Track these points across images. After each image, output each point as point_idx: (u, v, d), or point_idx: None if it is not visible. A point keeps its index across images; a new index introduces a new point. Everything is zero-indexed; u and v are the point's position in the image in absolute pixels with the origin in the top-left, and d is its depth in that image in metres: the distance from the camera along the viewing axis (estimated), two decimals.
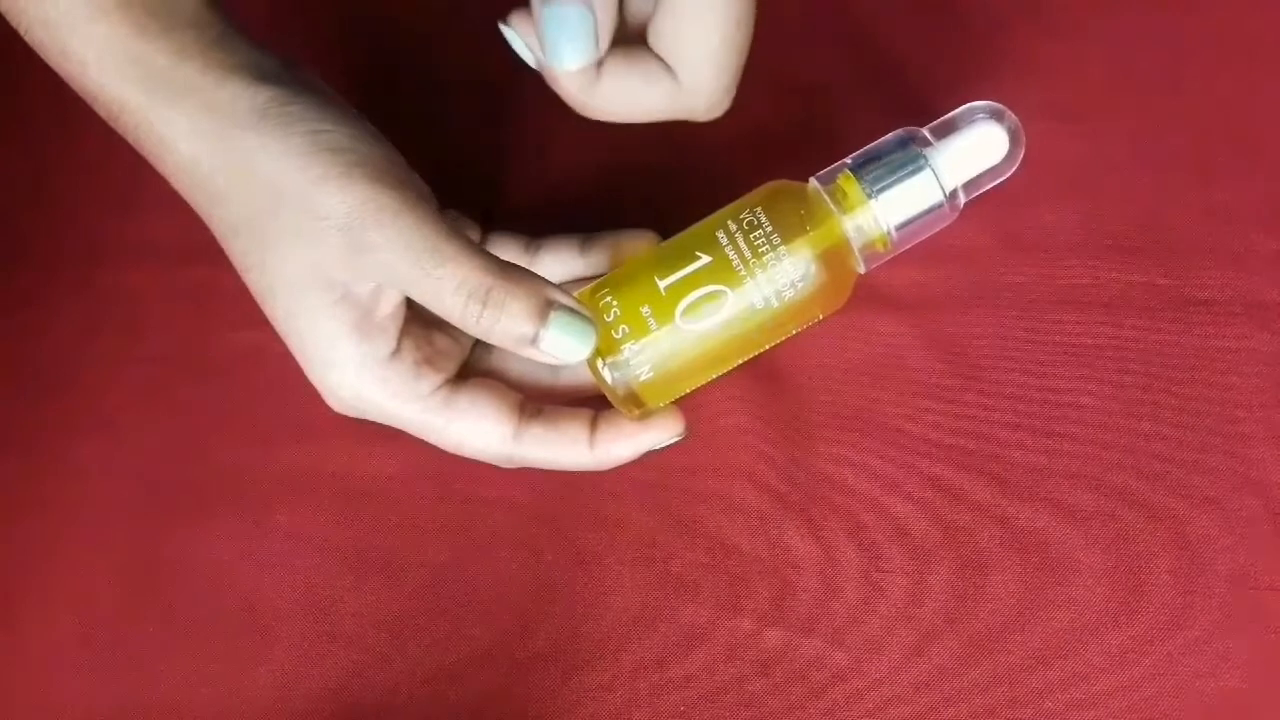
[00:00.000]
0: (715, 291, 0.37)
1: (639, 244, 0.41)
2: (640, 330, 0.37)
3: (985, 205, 0.44)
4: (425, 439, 0.39)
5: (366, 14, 0.49)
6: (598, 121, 0.46)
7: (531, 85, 0.47)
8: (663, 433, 0.39)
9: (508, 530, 0.40)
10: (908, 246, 0.39)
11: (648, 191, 0.44)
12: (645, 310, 0.37)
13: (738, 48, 0.34)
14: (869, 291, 0.43)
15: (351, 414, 0.38)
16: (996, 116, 0.38)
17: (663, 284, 0.37)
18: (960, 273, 0.43)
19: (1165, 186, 0.44)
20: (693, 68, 0.35)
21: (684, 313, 0.37)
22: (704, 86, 0.35)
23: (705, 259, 0.37)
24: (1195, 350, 0.42)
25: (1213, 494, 0.40)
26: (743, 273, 0.37)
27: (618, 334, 0.37)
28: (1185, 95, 0.46)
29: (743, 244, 0.37)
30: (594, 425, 0.39)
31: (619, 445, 0.39)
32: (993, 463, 0.41)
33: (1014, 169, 0.38)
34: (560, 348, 0.35)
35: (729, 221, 0.38)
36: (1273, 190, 0.44)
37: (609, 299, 0.38)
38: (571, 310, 0.35)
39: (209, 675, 0.39)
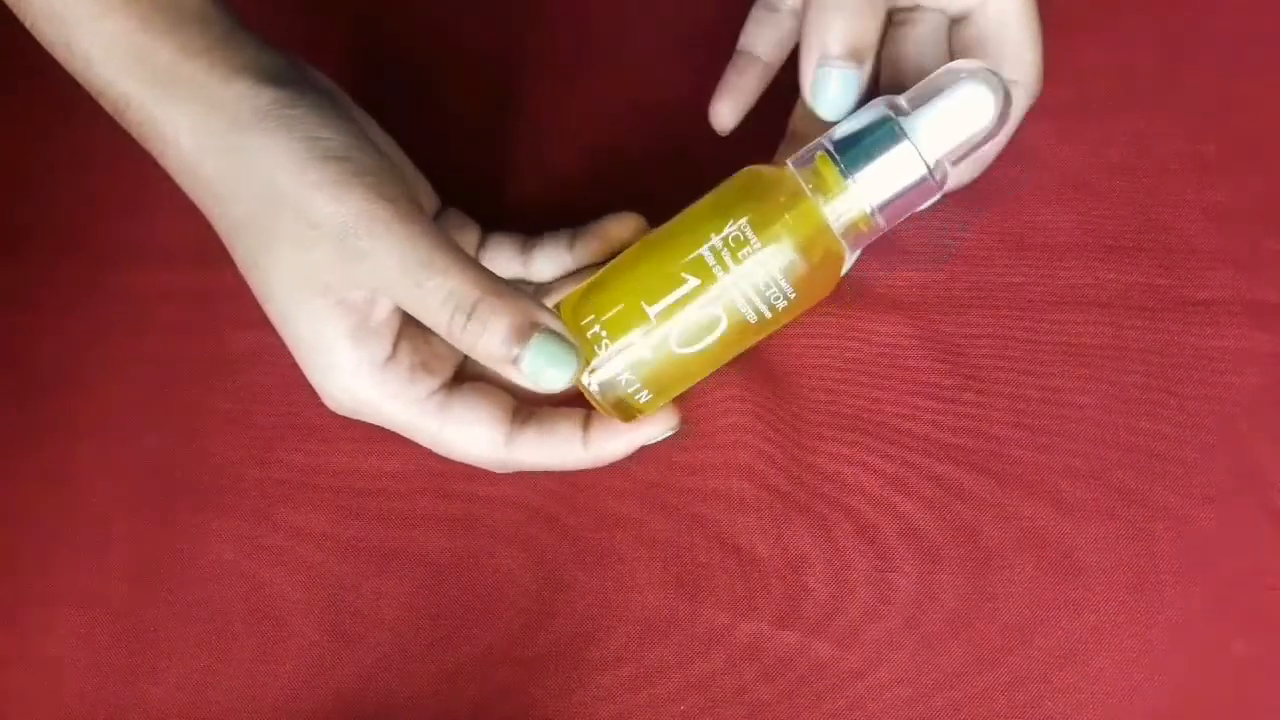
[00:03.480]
0: (707, 313, 0.36)
1: (625, 229, 0.40)
2: (631, 356, 0.36)
3: (985, 205, 0.44)
4: (421, 443, 0.39)
5: (368, 13, 0.49)
6: (598, 122, 0.46)
7: (532, 86, 0.47)
8: (656, 427, 0.39)
9: (509, 530, 0.41)
10: (898, 222, 0.37)
11: (648, 192, 0.44)
12: (634, 335, 0.36)
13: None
14: (869, 291, 0.43)
15: (349, 415, 0.38)
16: (979, 76, 0.35)
17: (652, 311, 0.36)
18: (960, 273, 0.43)
19: (1165, 187, 0.44)
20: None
21: (676, 337, 0.36)
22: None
23: (693, 281, 0.36)
24: (1195, 350, 0.42)
25: (1213, 494, 0.40)
26: (734, 294, 0.36)
27: (603, 349, 0.36)
28: (1185, 95, 0.46)
29: (730, 260, 0.35)
30: (587, 423, 0.39)
31: (613, 442, 0.39)
32: (992, 461, 0.41)
33: (1003, 131, 0.36)
34: (539, 372, 0.34)
35: (713, 236, 0.36)
36: (1273, 190, 0.44)
37: (597, 330, 0.36)
38: (555, 335, 0.35)
39: (210, 675, 0.39)
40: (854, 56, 0.36)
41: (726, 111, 0.41)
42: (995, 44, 0.39)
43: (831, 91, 0.36)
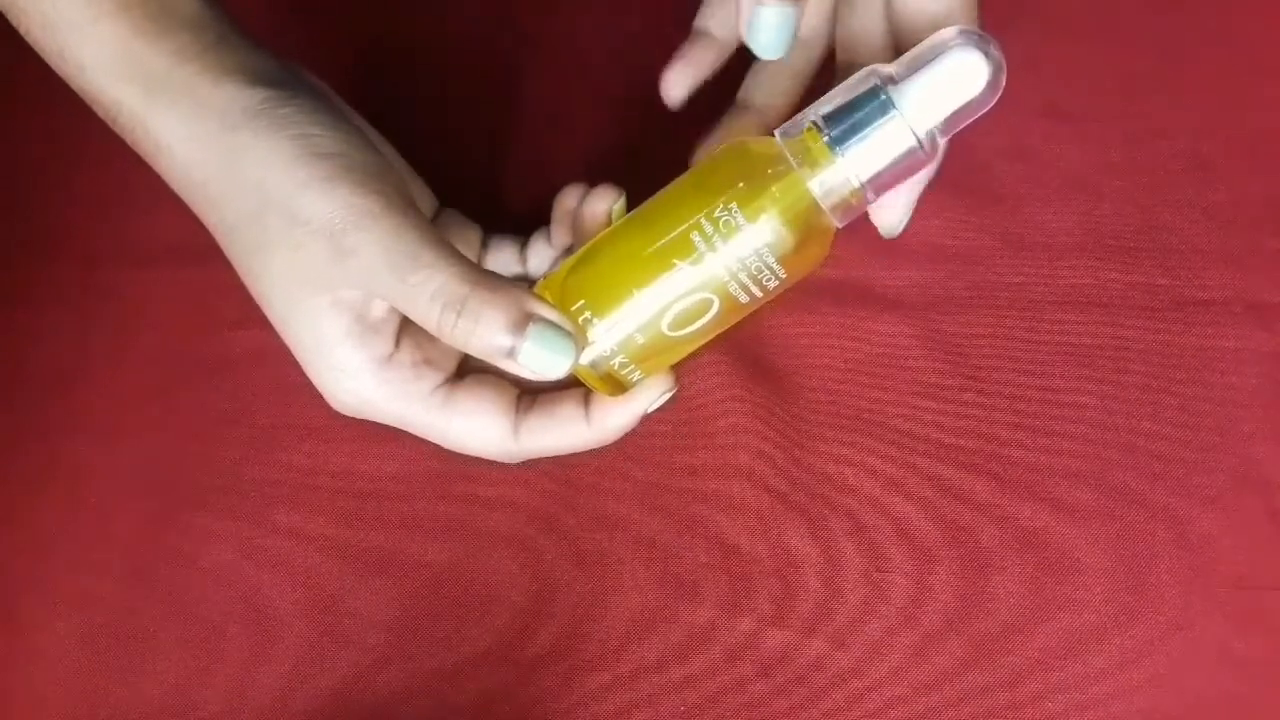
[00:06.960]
0: (696, 294, 0.36)
1: (602, 204, 0.39)
2: (620, 334, 0.36)
3: (985, 205, 0.44)
4: (428, 439, 0.39)
5: (368, 16, 0.49)
6: (597, 123, 0.46)
7: (532, 87, 0.47)
8: (654, 391, 0.38)
9: (508, 530, 0.40)
10: (889, 193, 0.36)
11: (649, 193, 0.44)
12: (623, 316, 0.36)
13: None
14: (869, 291, 0.43)
15: (355, 415, 0.38)
16: (970, 42, 0.34)
17: (641, 292, 0.36)
18: (960, 273, 0.43)
19: (1165, 186, 0.44)
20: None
21: (664, 318, 0.36)
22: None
23: (681, 260, 0.35)
24: (1195, 350, 0.42)
25: (1213, 494, 0.40)
26: (723, 274, 0.35)
27: (592, 329, 0.36)
28: (1185, 95, 0.46)
29: (716, 238, 0.35)
30: (587, 401, 0.39)
31: (615, 415, 0.38)
32: (993, 462, 0.41)
33: (995, 99, 0.34)
34: (538, 362, 0.34)
35: (701, 215, 0.35)
36: (1273, 190, 0.44)
37: (583, 308, 0.36)
38: (552, 323, 0.34)
39: (207, 675, 0.39)
40: None
41: (677, 83, 0.40)
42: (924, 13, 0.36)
43: (766, 31, 0.35)
